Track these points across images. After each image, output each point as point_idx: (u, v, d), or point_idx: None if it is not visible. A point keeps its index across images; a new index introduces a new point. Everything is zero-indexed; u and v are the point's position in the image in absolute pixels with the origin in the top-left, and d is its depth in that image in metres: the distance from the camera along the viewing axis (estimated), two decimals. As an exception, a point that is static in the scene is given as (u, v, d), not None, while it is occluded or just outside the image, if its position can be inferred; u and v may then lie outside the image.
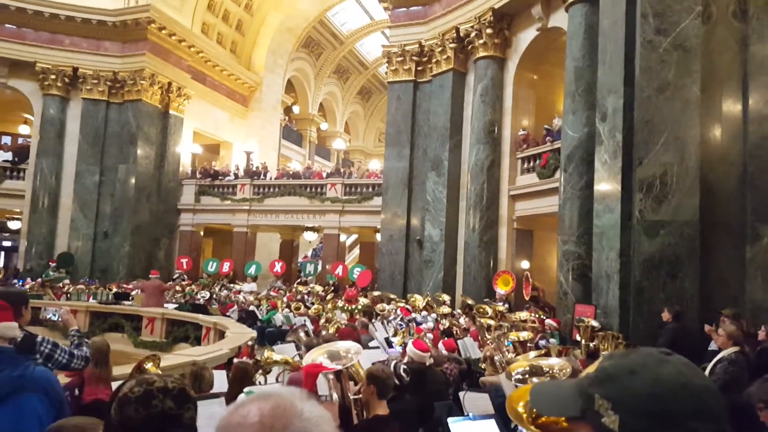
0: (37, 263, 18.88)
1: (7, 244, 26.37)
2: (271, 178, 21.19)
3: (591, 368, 1.09)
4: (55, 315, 12.63)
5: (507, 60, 14.30)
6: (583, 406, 0.99)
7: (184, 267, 19.76)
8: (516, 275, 13.13)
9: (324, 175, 21.07)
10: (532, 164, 13.51)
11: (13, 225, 21.07)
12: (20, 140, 22.73)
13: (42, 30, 19.38)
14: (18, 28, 19.27)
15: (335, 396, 3.26)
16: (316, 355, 3.42)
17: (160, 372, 4.74)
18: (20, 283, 16.53)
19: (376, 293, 14.87)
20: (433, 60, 15.85)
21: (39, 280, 17.01)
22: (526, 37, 13.81)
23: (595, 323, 8.34)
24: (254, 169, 21.94)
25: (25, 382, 2.36)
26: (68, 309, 4.28)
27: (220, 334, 10.04)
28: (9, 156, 20.50)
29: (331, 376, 3.31)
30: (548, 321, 9.54)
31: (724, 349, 5.61)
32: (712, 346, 6.68)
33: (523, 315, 10.03)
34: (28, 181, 19.70)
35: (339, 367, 3.24)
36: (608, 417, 0.94)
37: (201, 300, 14.98)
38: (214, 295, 15.88)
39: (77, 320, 14.33)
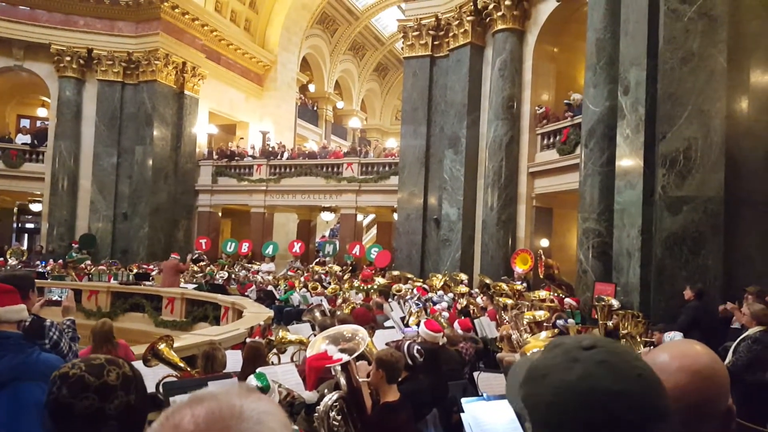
0: (59, 245, 19.11)
1: (29, 225, 26.79)
2: (286, 159, 21.11)
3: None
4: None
5: (526, 33, 13.91)
6: (517, 406, 0.93)
7: (203, 247, 19.88)
8: (534, 254, 12.96)
9: (342, 154, 20.92)
10: (552, 140, 13.22)
11: (35, 207, 21.34)
12: (38, 123, 22.87)
13: (55, 11, 19.36)
14: (32, 10, 19.27)
15: (342, 381, 3.19)
16: (320, 343, 3.34)
17: (173, 353, 4.76)
18: (43, 264, 16.79)
19: (394, 273, 14.81)
20: (450, 34, 15.50)
21: (60, 261, 17.27)
22: (545, 8, 13.40)
23: (614, 302, 8.20)
24: (270, 149, 21.85)
25: (25, 369, 2.28)
26: (72, 296, 4.24)
27: (239, 314, 10.10)
28: (28, 139, 20.63)
29: (338, 368, 3.24)
30: (567, 300, 9.40)
31: (749, 328, 5.48)
32: (735, 325, 6.56)
33: (542, 294, 9.89)
34: (48, 163, 19.84)
35: (346, 359, 3.15)
36: (527, 423, 0.88)
37: (220, 280, 15.07)
38: (233, 275, 15.97)
39: (99, 301, 14.41)
